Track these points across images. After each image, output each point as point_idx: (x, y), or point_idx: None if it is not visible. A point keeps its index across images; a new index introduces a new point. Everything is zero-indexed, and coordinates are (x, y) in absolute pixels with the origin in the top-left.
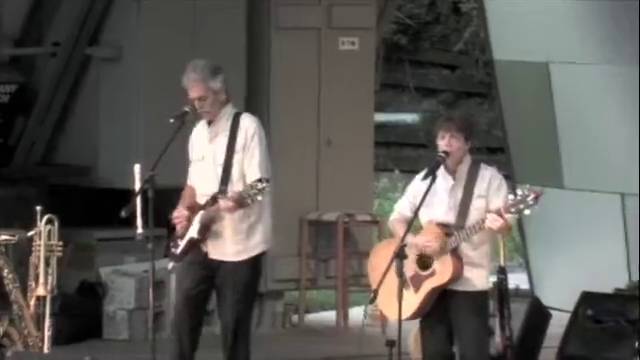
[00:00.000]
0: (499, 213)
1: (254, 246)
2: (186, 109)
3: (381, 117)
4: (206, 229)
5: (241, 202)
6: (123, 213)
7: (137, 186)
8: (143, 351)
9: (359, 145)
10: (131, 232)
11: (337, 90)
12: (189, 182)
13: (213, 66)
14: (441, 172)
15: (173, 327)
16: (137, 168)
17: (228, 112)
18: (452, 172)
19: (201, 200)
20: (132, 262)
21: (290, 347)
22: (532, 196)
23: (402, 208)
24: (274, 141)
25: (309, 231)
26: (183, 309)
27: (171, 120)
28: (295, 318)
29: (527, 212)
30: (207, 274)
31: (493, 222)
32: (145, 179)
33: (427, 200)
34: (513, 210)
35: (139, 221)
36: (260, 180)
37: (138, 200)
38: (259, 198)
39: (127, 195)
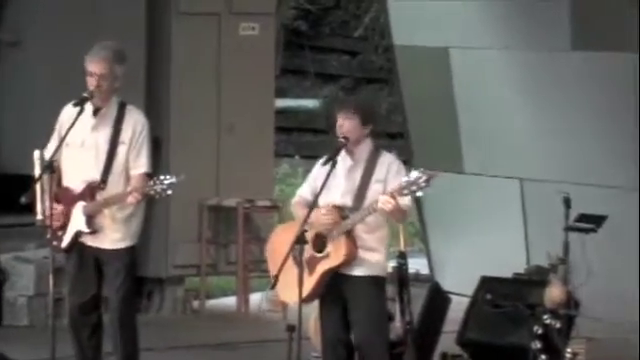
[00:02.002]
0: (391, 195)
1: (132, 235)
2: (85, 95)
3: (282, 103)
4: (92, 220)
5: (146, 196)
6: (23, 199)
7: (37, 172)
8: (43, 337)
9: (259, 130)
10: (31, 218)
11: (238, 76)
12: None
13: (122, 52)
14: (342, 155)
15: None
16: (37, 154)
17: (115, 101)
18: (351, 155)
19: (72, 185)
20: (32, 248)
21: (191, 333)
22: (424, 178)
23: (304, 192)
24: (174, 126)
25: (209, 217)
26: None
27: (71, 105)
28: (196, 304)
29: (419, 194)
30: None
31: (385, 204)
32: (45, 165)
33: (327, 183)
34: (405, 192)
35: (39, 207)
36: (149, 175)
37: (38, 186)
38: (169, 193)
39: (28, 181)
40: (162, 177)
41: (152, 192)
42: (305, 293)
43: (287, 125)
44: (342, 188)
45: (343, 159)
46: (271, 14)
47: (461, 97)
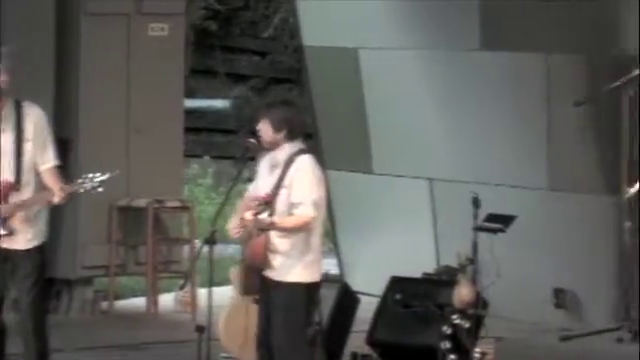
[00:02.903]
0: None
1: (41, 233)
2: None
3: (191, 103)
4: (7, 222)
5: (72, 195)
6: None
7: None
8: None
9: (169, 131)
10: None
11: (147, 76)
12: None
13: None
14: (270, 156)
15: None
16: None
17: (10, 100)
18: (273, 158)
19: None
20: None
21: (100, 334)
22: (97, 179)
23: (249, 191)
24: (83, 127)
25: (119, 217)
26: None
27: None
28: (105, 305)
29: (81, 191)
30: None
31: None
32: None
33: (258, 183)
34: (79, 189)
35: None
36: (59, 167)
37: None
38: (100, 190)
39: None
40: (92, 174)
41: (82, 190)
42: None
43: (196, 125)
44: (262, 190)
45: (269, 160)
46: (180, 15)
47: (370, 98)
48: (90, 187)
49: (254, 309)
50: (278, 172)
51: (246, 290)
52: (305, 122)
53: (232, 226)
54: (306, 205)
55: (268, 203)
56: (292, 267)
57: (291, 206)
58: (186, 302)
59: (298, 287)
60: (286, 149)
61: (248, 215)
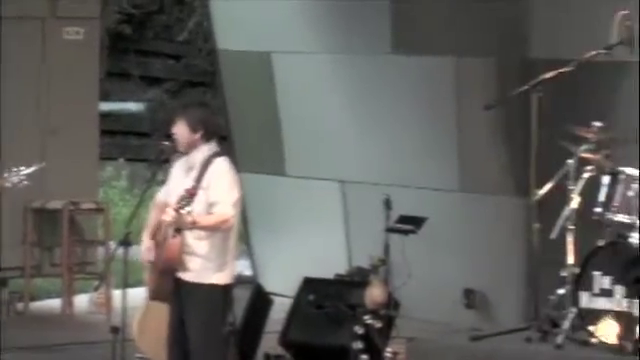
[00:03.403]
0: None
1: None
2: None
3: (106, 106)
4: None
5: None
6: None
7: None
8: None
9: (84, 133)
10: None
11: (62, 79)
12: None
13: None
14: (185, 158)
15: None
16: None
17: None
18: (189, 160)
19: None
20: None
21: (15, 335)
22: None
23: (161, 193)
24: None
25: (34, 219)
26: None
27: None
28: (20, 306)
29: (7, 185)
30: None
31: (167, 216)
32: None
33: (171, 186)
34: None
35: None
36: None
37: None
38: (26, 183)
39: None
40: (16, 168)
41: (8, 184)
42: (149, 291)
43: (112, 128)
44: (175, 193)
45: (185, 162)
46: (95, 18)
47: (283, 101)
48: (17, 180)
49: (163, 310)
50: (195, 174)
51: (156, 294)
52: (220, 124)
53: (145, 248)
54: (225, 204)
55: (192, 196)
56: (210, 270)
57: (209, 206)
58: (101, 303)
59: (216, 289)
60: (203, 151)
61: (170, 211)
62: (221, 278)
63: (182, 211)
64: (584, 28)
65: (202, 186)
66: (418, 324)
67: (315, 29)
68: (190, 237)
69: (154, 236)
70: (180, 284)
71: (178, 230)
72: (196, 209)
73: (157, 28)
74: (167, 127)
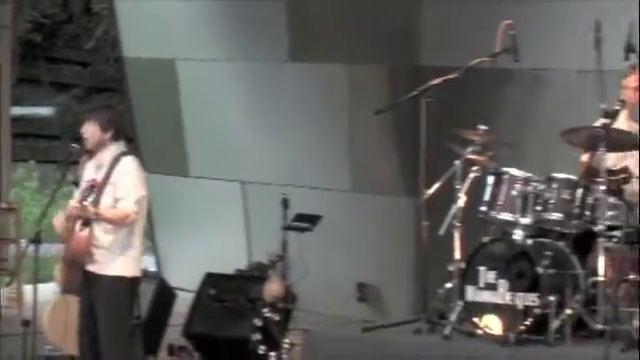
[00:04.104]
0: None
1: None
2: None
3: (18, 110)
4: None
5: None
6: None
7: None
8: None
9: None
10: None
11: None
12: None
13: None
14: (93, 161)
15: None
16: None
17: None
18: (98, 159)
19: None
20: None
21: None
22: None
23: (75, 197)
24: None
25: None
26: None
27: None
28: None
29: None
30: None
31: (71, 209)
32: None
33: (82, 183)
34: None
35: None
36: None
37: None
38: None
39: None
40: None
41: None
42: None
43: (23, 131)
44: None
45: (94, 163)
46: (7, 27)
47: (187, 106)
48: None
49: (75, 302)
50: (104, 171)
51: (67, 288)
52: (127, 125)
53: (58, 220)
54: (129, 200)
55: (94, 187)
56: (114, 261)
57: (115, 201)
58: (12, 298)
59: (121, 280)
60: (112, 150)
61: (74, 203)
62: (126, 270)
63: (85, 202)
64: (471, 37)
65: (110, 182)
66: (314, 316)
67: (216, 38)
68: (97, 230)
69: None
70: (88, 276)
71: (86, 223)
72: (104, 203)
73: (66, 37)
74: (76, 130)
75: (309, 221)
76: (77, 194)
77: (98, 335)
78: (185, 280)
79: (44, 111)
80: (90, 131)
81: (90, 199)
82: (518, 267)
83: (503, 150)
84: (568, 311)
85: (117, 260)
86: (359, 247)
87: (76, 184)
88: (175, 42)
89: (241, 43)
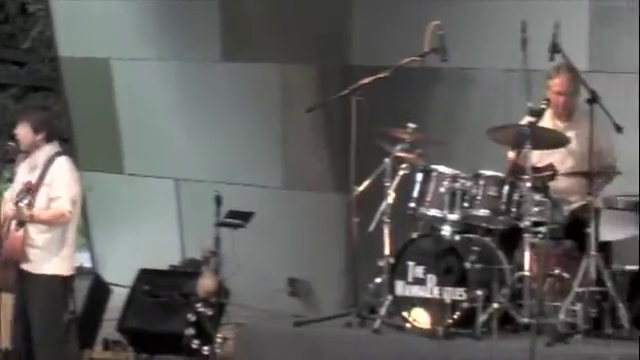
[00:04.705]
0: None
1: None
2: None
3: None
4: None
5: None
6: None
7: None
8: None
9: None
10: None
11: None
12: None
13: None
14: (27, 161)
15: None
16: None
17: None
18: (32, 160)
19: None
20: None
21: None
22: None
23: (9, 192)
24: None
25: None
26: None
27: None
28: None
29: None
30: None
31: (7, 210)
32: None
33: (15, 184)
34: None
35: None
36: None
37: None
38: None
39: None
40: None
41: None
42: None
43: None
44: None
45: (28, 163)
46: None
47: (122, 105)
48: None
49: (9, 299)
50: (38, 172)
51: (1, 285)
52: (60, 126)
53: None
54: (63, 200)
55: (30, 190)
56: (49, 260)
57: (50, 201)
58: None
59: (55, 279)
60: (45, 150)
61: (10, 205)
62: (61, 269)
63: (20, 204)
64: (400, 37)
65: (45, 182)
66: (246, 311)
67: (150, 37)
68: (32, 230)
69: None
70: (23, 275)
71: (21, 224)
72: (39, 204)
73: (2, 36)
74: (12, 129)
75: (241, 218)
76: (8, 194)
77: (32, 331)
78: (120, 276)
79: None
80: (23, 133)
81: (25, 201)
82: (446, 262)
83: (432, 148)
84: (495, 305)
85: (52, 259)
86: (291, 243)
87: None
88: (109, 42)
89: (174, 43)
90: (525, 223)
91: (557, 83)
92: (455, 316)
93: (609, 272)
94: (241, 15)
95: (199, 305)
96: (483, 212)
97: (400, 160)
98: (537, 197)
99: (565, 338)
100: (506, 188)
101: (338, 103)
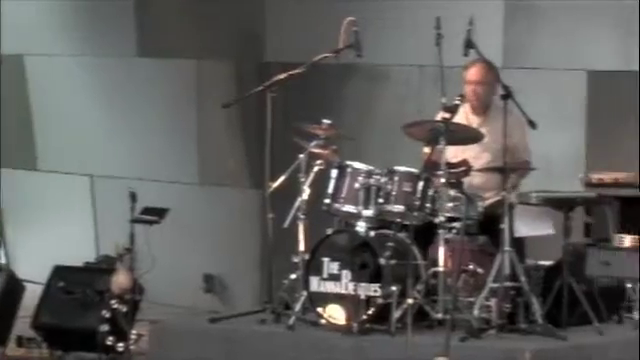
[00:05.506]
0: None
1: None
2: None
3: None
4: None
5: None
6: None
7: None
8: None
9: None
10: None
11: None
12: None
13: None
14: None
15: None
16: None
17: None
18: None
19: None
20: None
21: None
22: None
23: None
24: None
25: None
26: None
27: None
28: None
29: None
30: None
31: None
32: None
33: None
34: None
35: None
36: None
37: None
38: None
39: None
40: None
41: None
42: None
43: None
44: None
45: None
46: None
47: (36, 101)
48: None
49: None
50: None
51: None
52: None
53: None
54: None
55: None
56: None
57: None
58: None
59: None
60: None
61: None
62: None
63: None
64: (316, 33)
65: None
66: (161, 308)
67: (65, 33)
68: None
69: None
70: None
71: None
72: None
73: None
74: None
75: (156, 214)
76: None
77: None
78: (34, 273)
79: None
80: None
81: None
82: (361, 258)
83: (347, 144)
84: (409, 301)
85: None
86: (206, 239)
87: None
88: (23, 38)
89: (89, 38)
90: (440, 219)
91: (472, 72)
92: (370, 312)
93: (523, 267)
94: (157, 11)
95: (113, 302)
96: (398, 208)
97: (315, 156)
98: (451, 193)
99: (479, 333)
100: (421, 184)
101: (253, 99)
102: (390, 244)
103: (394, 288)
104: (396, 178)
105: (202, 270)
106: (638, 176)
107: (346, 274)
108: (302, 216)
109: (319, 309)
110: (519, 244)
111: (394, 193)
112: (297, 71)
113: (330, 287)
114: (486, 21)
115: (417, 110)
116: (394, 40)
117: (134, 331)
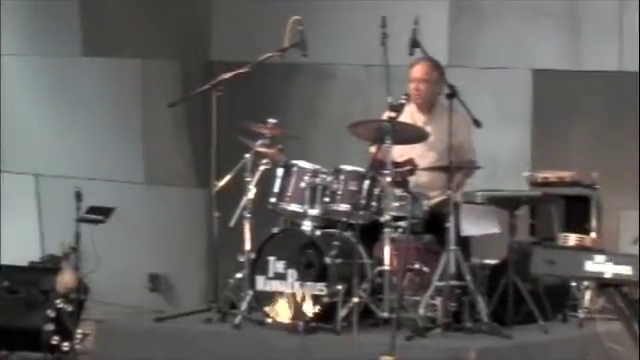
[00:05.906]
0: None
1: None
2: None
3: None
4: None
5: None
6: None
7: None
8: None
9: None
10: None
11: None
12: None
13: None
14: None
15: None
16: None
17: None
18: None
19: None
20: None
21: None
22: None
23: None
24: None
25: None
26: None
27: None
28: None
29: None
30: None
31: None
32: None
33: None
34: None
35: None
36: None
37: None
38: None
39: None
40: None
41: None
42: None
43: None
44: None
45: None
46: None
47: None
48: None
49: None
50: None
51: None
52: None
53: None
54: None
55: None
56: None
57: None
58: None
59: None
60: None
61: None
62: None
63: None
64: (261, 33)
65: None
66: (107, 307)
67: (9, 32)
68: None
69: None
70: None
71: None
72: None
73: None
74: None
75: (102, 213)
76: None
77: None
78: None
79: None
80: None
81: None
82: (307, 257)
83: (293, 143)
84: (355, 300)
85: None
86: (152, 238)
87: None
88: None
89: (34, 38)
90: (385, 218)
91: (416, 70)
92: (315, 311)
93: (468, 266)
94: (102, 10)
95: (59, 301)
96: (344, 207)
97: (261, 155)
98: (397, 192)
99: (425, 332)
100: (366, 183)
101: (199, 98)
102: (336, 243)
103: (340, 287)
104: (342, 177)
105: (147, 269)
106: (584, 175)
107: (292, 273)
108: (248, 215)
109: (265, 308)
110: (464, 243)
111: (340, 192)
112: (243, 70)
113: (276, 286)
114: (431, 20)
115: (363, 109)
116: (339, 39)
117: (79, 330)
